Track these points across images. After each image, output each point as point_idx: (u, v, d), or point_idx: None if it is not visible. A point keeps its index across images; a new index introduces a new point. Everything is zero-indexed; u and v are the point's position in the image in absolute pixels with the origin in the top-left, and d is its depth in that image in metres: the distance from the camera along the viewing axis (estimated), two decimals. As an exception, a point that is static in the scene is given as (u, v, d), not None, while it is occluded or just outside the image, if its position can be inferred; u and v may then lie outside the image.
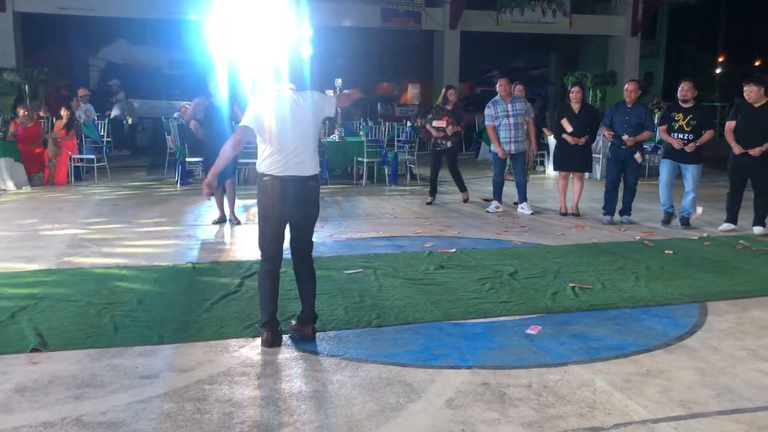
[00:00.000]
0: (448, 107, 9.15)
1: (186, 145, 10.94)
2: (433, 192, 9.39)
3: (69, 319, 4.37)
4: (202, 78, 14.24)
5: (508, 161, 9.56)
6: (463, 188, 9.46)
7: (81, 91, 11.60)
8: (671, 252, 6.56)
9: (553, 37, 24.32)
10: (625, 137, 7.87)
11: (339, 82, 11.81)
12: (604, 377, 3.61)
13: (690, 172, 7.77)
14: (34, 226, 7.54)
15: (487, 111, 8.86)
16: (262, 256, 4.15)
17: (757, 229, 7.47)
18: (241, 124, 4.05)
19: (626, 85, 8.28)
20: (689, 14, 30.86)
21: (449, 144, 9.14)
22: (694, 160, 7.74)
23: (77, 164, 11.26)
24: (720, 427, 3.07)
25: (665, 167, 7.97)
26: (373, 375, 3.60)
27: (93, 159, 11.34)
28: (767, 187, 7.38)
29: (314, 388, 3.44)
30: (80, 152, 11.50)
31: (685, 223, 7.89)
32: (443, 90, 9.41)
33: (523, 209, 8.77)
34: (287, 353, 3.91)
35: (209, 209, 8.91)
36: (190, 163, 11.14)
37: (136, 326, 4.28)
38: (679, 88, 7.84)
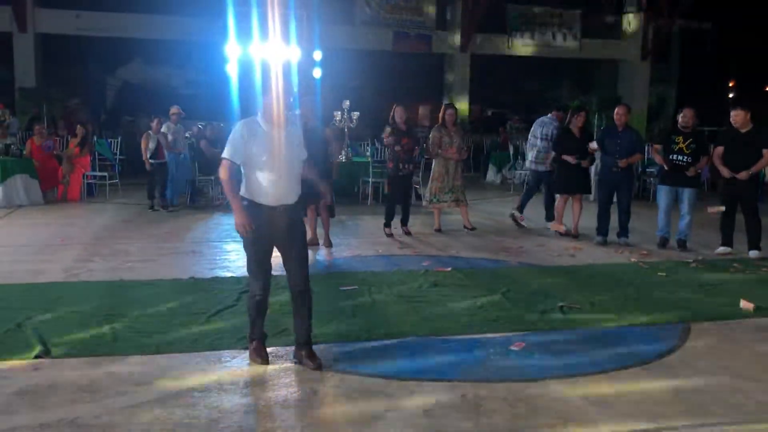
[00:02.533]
0: (402, 128, 8.45)
1: (197, 164, 11.21)
2: (391, 221, 8.60)
3: (72, 329, 4.58)
4: (217, 98, 14.60)
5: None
6: (407, 220, 8.68)
7: (173, 110, 11.47)
8: (664, 274, 6.67)
9: (564, 60, 24.54)
10: (592, 154, 8.15)
11: (347, 104, 12.11)
12: (580, 392, 3.74)
13: (686, 195, 7.91)
14: (45, 240, 7.79)
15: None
16: None
17: (753, 254, 7.55)
18: None
19: (616, 109, 8.43)
20: (702, 38, 31.00)
21: (411, 167, 8.63)
22: (691, 183, 7.89)
23: (90, 181, 11.56)
24: (684, 440, 3.20)
25: (664, 194, 8.11)
26: (357, 386, 3.76)
27: (105, 176, 11.64)
28: (755, 209, 7.54)
29: (299, 397, 3.61)
30: (93, 169, 11.81)
31: (683, 245, 8.00)
32: (393, 109, 8.60)
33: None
34: (276, 365, 4.07)
35: (215, 227, 9.16)
36: (200, 181, 11.40)
37: (135, 337, 4.47)
38: (682, 114, 7.98)
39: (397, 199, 8.71)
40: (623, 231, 8.31)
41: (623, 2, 23.85)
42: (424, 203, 9.36)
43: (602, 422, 3.36)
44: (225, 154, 3.96)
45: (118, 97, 22.76)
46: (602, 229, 8.34)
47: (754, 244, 7.61)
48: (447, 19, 21.64)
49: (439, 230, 8.86)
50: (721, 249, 7.78)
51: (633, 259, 7.42)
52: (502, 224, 9.67)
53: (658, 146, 8.12)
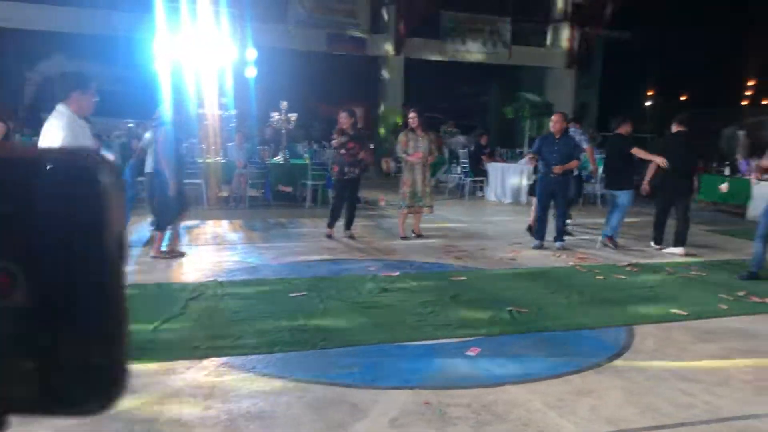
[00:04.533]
0: (349, 132, 8.44)
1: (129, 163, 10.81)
2: (334, 223, 8.63)
3: None
4: (146, 96, 14.16)
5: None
6: (351, 223, 8.69)
7: None
8: (602, 278, 6.90)
9: (494, 66, 25.06)
10: (532, 161, 8.36)
11: (285, 105, 11.99)
12: (539, 397, 3.82)
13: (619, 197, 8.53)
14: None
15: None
16: None
17: (679, 250, 8.25)
18: None
19: (552, 117, 8.68)
20: (623, 48, 32.30)
21: (357, 171, 8.57)
22: (623, 187, 8.48)
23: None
24: (643, 442, 3.32)
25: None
26: (320, 395, 3.72)
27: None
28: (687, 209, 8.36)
29: (262, 409, 3.53)
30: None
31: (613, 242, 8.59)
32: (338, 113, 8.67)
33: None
34: (235, 375, 3.97)
35: (148, 230, 8.86)
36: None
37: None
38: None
39: (342, 203, 8.68)
40: (559, 235, 8.55)
41: (550, 12, 24.57)
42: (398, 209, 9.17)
43: (563, 427, 3.44)
44: None
45: (37, 93, 21.73)
46: (540, 233, 8.56)
47: (679, 241, 8.33)
48: (382, 22, 21.73)
49: (404, 237, 8.72)
50: (677, 250, 8.39)
51: (571, 263, 7.64)
52: (442, 228, 9.78)
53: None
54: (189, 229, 8.92)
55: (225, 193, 12.02)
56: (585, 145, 9.61)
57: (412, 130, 8.64)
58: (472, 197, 14.20)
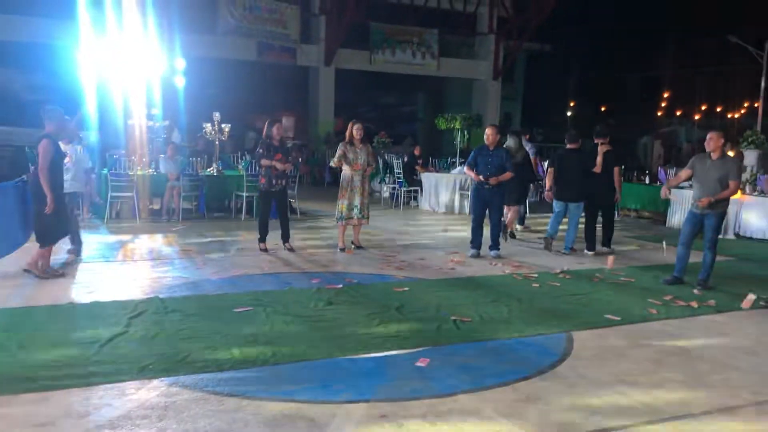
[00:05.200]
0: (275, 143, 8.44)
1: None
2: (265, 236, 8.60)
3: (-57, 367, 4.13)
4: (67, 105, 13.60)
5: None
6: (288, 236, 8.68)
7: None
8: (537, 285, 7.14)
9: (422, 77, 25.49)
10: (482, 178, 8.51)
11: (217, 116, 11.84)
12: (490, 405, 3.94)
13: (570, 209, 9.23)
14: None
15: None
16: None
17: (606, 249, 9.31)
18: None
19: (486, 130, 8.94)
20: (544, 60, 33.45)
21: (283, 183, 8.58)
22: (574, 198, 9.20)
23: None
24: (592, 445, 3.47)
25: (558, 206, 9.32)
26: (276, 412, 3.71)
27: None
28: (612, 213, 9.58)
29: (219, 428, 3.50)
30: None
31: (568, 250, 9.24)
32: (267, 123, 8.56)
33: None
34: (187, 395, 3.92)
35: (82, 245, 8.58)
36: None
37: (22, 372, 4.11)
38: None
39: (272, 215, 8.66)
40: (494, 244, 8.79)
41: (476, 25, 25.21)
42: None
43: (516, 433, 3.57)
44: None
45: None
46: (476, 242, 8.77)
47: (607, 242, 9.44)
48: (312, 33, 21.76)
49: (343, 249, 8.74)
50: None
51: (507, 271, 7.87)
52: (380, 238, 9.88)
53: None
54: (123, 243, 8.69)
55: (156, 206, 11.76)
56: (532, 157, 10.66)
57: (351, 142, 8.69)
58: (406, 207, 14.38)
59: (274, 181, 8.40)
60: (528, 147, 11.11)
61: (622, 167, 10.22)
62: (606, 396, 4.14)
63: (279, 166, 8.35)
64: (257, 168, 9.07)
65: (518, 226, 11.09)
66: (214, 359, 4.47)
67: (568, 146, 9.33)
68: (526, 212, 11.56)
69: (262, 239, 8.55)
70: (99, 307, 5.71)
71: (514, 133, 10.81)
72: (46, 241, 6.76)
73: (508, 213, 10.15)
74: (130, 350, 4.61)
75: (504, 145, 10.32)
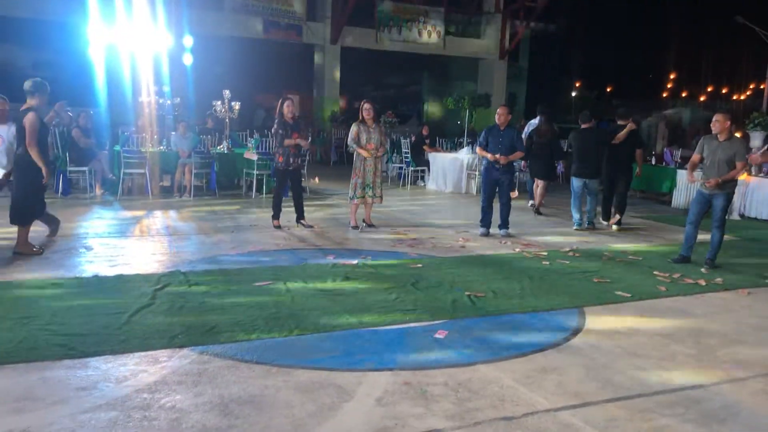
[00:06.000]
0: (289, 122, 8.53)
1: (68, 154, 10.56)
2: (279, 213, 8.76)
3: (-18, 334, 4.29)
4: (77, 83, 13.70)
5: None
6: (302, 214, 8.87)
7: None
8: (547, 263, 7.29)
9: (426, 56, 25.44)
10: (498, 156, 8.61)
11: (228, 93, 11.92)
12: (508, 374, 4.10)
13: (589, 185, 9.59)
14: None
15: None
16: None
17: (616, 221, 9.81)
18: None
19: (498, 110, 9.01)
20: (549, 40, 33.35)
21: (299, 161, 8.78)
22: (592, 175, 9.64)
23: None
24: (609, 412, 3.63)
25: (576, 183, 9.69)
26: (305, 379, 3.88)
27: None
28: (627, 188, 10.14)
29: (252, 393, 3.66)
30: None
31: (590, 224, 9.69)
32: (279, 102, 8.63)
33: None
34: (218, 362, 4.08)
35: (99, 220, 8.74)
36: (72, 172, 10.75)
37: (57, 339, 4.27)
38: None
39: (285, 193, 8.78)
40: (504, 223, 8.92)
41: (483, 4, 25.13)
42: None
43: (535, 401, 3.73)
44: None
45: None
46: (485, 222, 8.90)
47: (620, 213, 9.90)
48: (318, 10, 21.71)
49: (356, 227, 8.88)
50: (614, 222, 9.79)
51: (517, 249, 8.01)
52: (390, 217, 10.01)
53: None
54: (138, 219, 8.84)
55: (166, 183, 11.89)
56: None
57: (364, 121, 8.78)
58: (413, 186, 14.51)
59: (291, 160, 8.52)
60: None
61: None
62: (620, 368, 4.30)
63: (302, 143, 8.49)
64: (272, 148, 9.13)
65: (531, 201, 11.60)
66: (241, 330, 4.63)
67: (583, 126, 9.66)
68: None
69: (276, 216, 8.69)
70: (123, 280, 5.86)
71: (544, 113, 11.39)
72: (29, 219, 6.70)
73: (536, 189, 11.04)
74: (158, 321, 4.76)
75: (533, 124, 10.98)
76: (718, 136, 7.22)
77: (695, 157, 7.55)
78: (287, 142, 8.43)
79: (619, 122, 9.96)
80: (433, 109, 30.51)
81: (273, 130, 8.62)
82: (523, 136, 11.40)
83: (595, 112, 10.75)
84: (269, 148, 13.25)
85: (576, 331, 5.02)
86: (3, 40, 20.39)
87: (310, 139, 8.74)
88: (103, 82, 15.14)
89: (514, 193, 8.89)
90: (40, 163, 6.45)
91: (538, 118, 11.63)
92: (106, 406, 3.41)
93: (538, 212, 11.04)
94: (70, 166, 10.59)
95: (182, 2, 17.35)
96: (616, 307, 5.70)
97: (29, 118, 6.36)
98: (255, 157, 11.11)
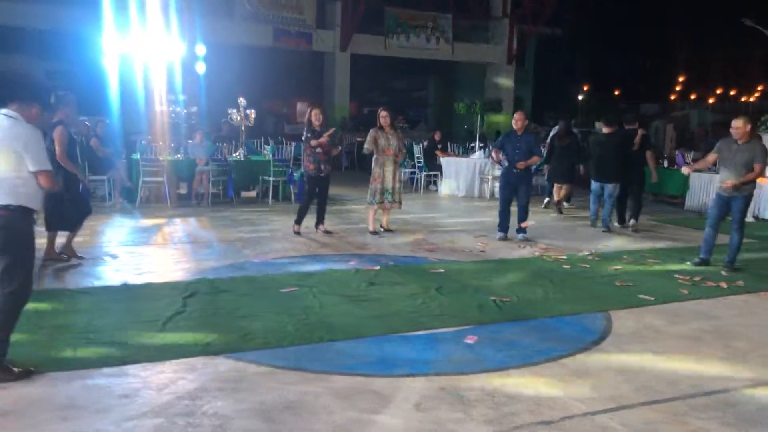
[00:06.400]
0: (317, 129, 8.56)
1: (86, 163, 10.63)
2: (302, 220, 8.74)
3: (20, 344, 4.34)
4: (89, 92, 13.77)
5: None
6: (323, 220, 8.90)
7: None
8: (568, 267, 7.32)
9: (433, 62, 25.49)
10: (503, 162, 8.73)
11: (243, 101, 11.99)
12: (542, 379, 4.13)
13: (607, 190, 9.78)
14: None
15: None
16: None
17: (632, 222, 10.10)
18: None
19: (515, 115, 9.03)
20: (555, 44, 33.38)
21: (329, 168, 8.79)
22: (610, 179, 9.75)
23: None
24: (645, 415, 3.67)
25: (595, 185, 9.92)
26: (342, 385, 3.92)
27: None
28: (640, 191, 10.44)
29: (291, 399, 3.71)
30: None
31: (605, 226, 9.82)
32: (308, 110, 8.75)
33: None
34: (254, 369, 4.13)
35: (120, 229, 8.82)
36: (91, 181, 10.82)
37: (95, 348, 4.33)
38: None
39: (312, 200, 8.83)
40: (521, 228, 8.95)
41: (490, 9, 25.18)
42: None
43: (571, 405, 3.76)
44: (48, 165, 3.88)
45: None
46: (503, 226, 8.94)
47: (635, 216, 10.15)
48: (327, 18, 21.81)
49: (374, 232, 8.92)
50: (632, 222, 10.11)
51: (536, 253, 8.04)
52: (406, 222, 10.05)
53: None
54: (159, 227, 8.92)
55: (183, 191, 11.96)
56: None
57: (381, 127, 8.85)
58: (426, 191, 14.55)
59: (322, 167, 8.57)
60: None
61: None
62: (651, 371, 4.33)
63: (323, 139, 8.49)
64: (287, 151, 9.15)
65: (565, 203, 11.87)
66: (274, 336, 4.68)
67: (605, 130, 9.89)
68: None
69: (298, 222, 8.72)
70: (152, 288, 5.92)
71: (564, 118, 12.12)
72: (67, 226, 6.77)
73: (560, 190, 11.47)
74: (191, 328, 4.82)
75: (555, 129, 11.21)
76: (738, 139, 7.25)
77: (711, 156, 7.58)
78: (313, 142, 8.45)
79: (627, 127, 10.31)
80: (438, 114, 30.56)
81: (303, 138, 8.67)
82: (547, 141, 12.09)
83: (602, 115, 11.22)
84: (284, 155, 13.34)
85: (604, 335, 5.05)
86: (18, 51, 20.54)
87: (339, 147, 8.77)
88: (117, 92, 15.28)
89: (526, 223, 8.85)
90: (75, 171, 6.62)
91: (560, 122, 12.16)
92: (151, 414, 3.47)
93: (559, 211, 11.43)
94: (88, 175, 10.65)
95: (195, 11, 17.46)
96: (640, 311, 5.73)
97: (58, 131, 6.45)
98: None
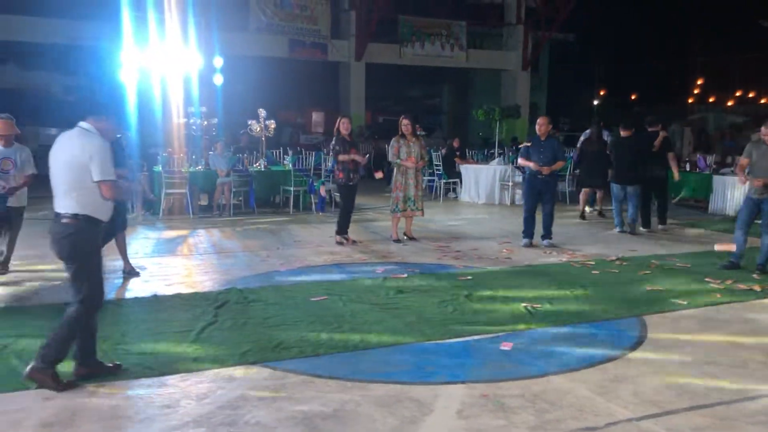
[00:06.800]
0: (347, 138, 8.60)
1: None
2: (344, 228, 8.75)
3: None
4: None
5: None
6: (347, 229, 8.79)
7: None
8: (597, 272, 7.25)
9: (447, 69, 25.52)
10: (535, 166, 8.64)
11: (263, 112, 12.04)
12: (582, 385, 4.08)
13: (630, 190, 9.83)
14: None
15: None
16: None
17: (662, 227, 10.25)
18: None
19: (538, 120, 8.98)
20: (568, 50, 33.27)
21: (358, 177, 8.79)
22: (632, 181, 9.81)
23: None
24: (692, 421, 3.61)
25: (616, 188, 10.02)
26: (381, 393, 3.89)
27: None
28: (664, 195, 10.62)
29: (333, 408, 3.69)
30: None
31: (632, 229, 9.90)
32: (338, 120, 8.71)
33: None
34: (292, 378, 4.11)
35: (145, 241, 8.86)
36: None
37: (133, 359, 4.34)
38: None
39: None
40: (547, 233, 8.89)
41: (504, 16, 25.20)
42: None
43: (615, 411, 3.71)
44: (111, 175, 3.91)
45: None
46: (528, 232, 8.89)
47: (662, 219, 10.36)
48: (342, 28, 21.91)
49: (398, 240, 8.91)
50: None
51: (563, 259, 7.98)
52: (428, 229, 10.02)
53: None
54: (184, 238, 8.95)
55: (203, 202, 12.02)
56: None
57: (403, 135, 8.84)
58: (445, 199, 14.52)
59: (351, 175, 8.59)
60: (605, 135, 12.12)
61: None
62: (693, 376, 4.27)
63: (358, 158, 8.56)
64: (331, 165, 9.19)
65: (588, 208, 11.89)
66: (308, 345, 4.66)
67: (623, 134, 10.00)
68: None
69: (342, 231, 8.70)
70: (182, 298, 5.93)
71: (595, 123, 12.04)
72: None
73: (586, 195, 11.59)
74: (225, 338, 4.81)
75: (586, 134, 11.58)
76: (767, 140, 7.17)
77: (743, 161, 7.49)
78: (341, 157, 8.47)
79: (650, 129, 10.33)
80: (453, 121, 30.55)
81: (331, 146, 8.70)
82: (578, 146, 12.31)
83: (618, 119, 11.36)
84: (303, 165, 13.37)
85: (640, 340, 4.99)
86: (37, 67, 20.82)
87: (367, 155, 8.79)
88: (134, 105, 15.37)
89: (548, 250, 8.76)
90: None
91: (591, 127, 12.37)
92: (193, 423, 3.46)
93: (582, 216, 11.49)
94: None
95: (212, 24, 17.60)
96: (674, 316, 5.66)
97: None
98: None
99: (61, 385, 3.82)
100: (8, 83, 21.39)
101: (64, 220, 3.89)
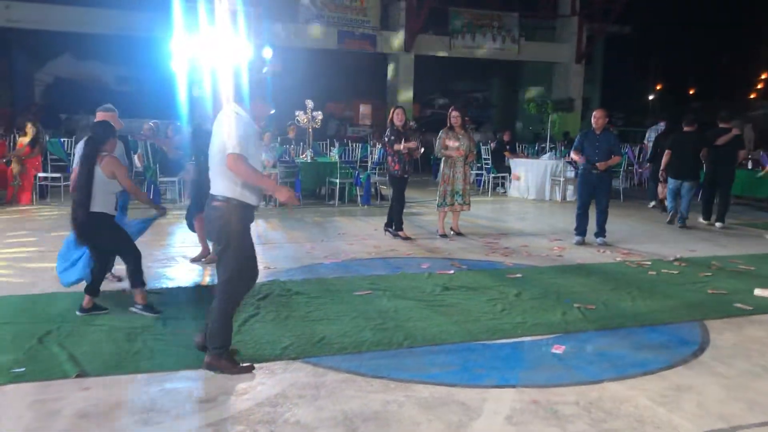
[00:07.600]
0: (400, 129, 8.43)
1: (158, 165, 10.79)
2: (401, 223, 8.61)
3: (98, 344, 4.32)
4: (157, 96, 13.99)
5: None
6: (401, 224, 8.64)
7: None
8: (654, 273, 6.91)
9: (496, 62, 25.04)
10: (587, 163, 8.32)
11: (310, 104, 11.95)
12: (641, 393, 3.83)
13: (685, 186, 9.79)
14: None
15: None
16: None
17: (719, 225, 9.97)
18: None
19: (594, 113, 8.61)
20: (624, 42, 32.33)
21: (411, 169, 8.66)
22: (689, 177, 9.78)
23: (42, 183, 10.94)
24: (763, 437, 3.33)
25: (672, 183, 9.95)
26: (426, 395, 3.71)
27: (60, 177, 11.03)
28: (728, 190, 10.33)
29: (374, 409, 3.52)
30: (45, 170, 11.18)
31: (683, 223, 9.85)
32: (391, 111, 8.64)
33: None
34: (333, 375, 3.96)
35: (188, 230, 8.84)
36: (162, 182, 10.97)
37: (172, 350, 4.26)
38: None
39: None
40: (600, 231, 8.55)
41: (558, 7, 24.58)
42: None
43: (677, 424, 3.45)
44: (238, 149, 3.75)
45: (47, 93, 21.60)
46: (580, 229, 8.57)
47: (721, 217, 10.04)
48: (392, 19, 21.69)
49: (444, 235, 8.70)
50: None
51: (618, 258, 7.65)
52: (476, 225, 9.78)
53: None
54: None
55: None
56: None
57: (452, 127, 8.62)
58: (493, 193, 14.22)
59: (406, 167, 8.42)
60: (657, 130, 12.36)
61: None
62: (762, 388, 3.97)
63: (413, 145, 8.35)
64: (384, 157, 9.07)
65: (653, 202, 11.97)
66: (351, 341, 4.51)
67: (686, 129, 9.85)
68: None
69: (399, 227, 8.54)
70: (225, 289, 5.83)
71: (670, 117, 12.26)
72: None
73: (665, 189, 10.94)
74: (267, 331, 4.70)
75: (659, 128, 11.73)
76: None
77: None
78: (397, 146, 8.29)
79: (721, 125, 10.15)
80: (503, 114, 30.04)
81: (385, 137, 8.53)
82: (646, 141, 12.63)
83: (677, 115, 11.16)
84: (350, 157, 13.25)
85: (702, 347, 4.69)
86: (89, 57, 21.21)
87: (422, 148, 8.64)
88: (186, 95, 15.51)
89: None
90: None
91: (662, 123, 12.35)
92: (232, 420, 3.34)
93: (664, 209, 11.02)
94: (159, 177, 10.81)
95: (262, 15, 17.62)
96: (739, 321, 5.32)
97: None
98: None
99: (237, 367, 3.90)
100: (65, 73, 21.91)
101: (215, 203, 3.87)
